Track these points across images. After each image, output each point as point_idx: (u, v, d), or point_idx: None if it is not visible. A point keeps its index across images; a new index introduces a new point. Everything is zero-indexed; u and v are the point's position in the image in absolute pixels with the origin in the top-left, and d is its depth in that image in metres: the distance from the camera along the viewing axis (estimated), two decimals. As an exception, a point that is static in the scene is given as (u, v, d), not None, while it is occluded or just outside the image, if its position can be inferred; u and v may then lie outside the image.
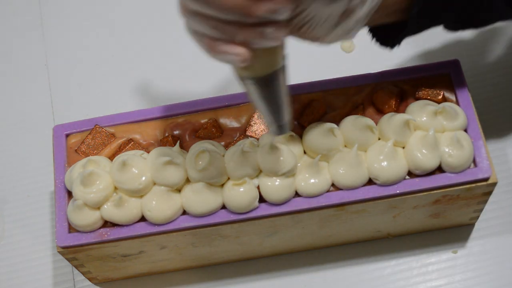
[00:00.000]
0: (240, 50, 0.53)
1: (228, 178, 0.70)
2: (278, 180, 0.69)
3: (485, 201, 0.74)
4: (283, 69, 0.57)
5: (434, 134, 0.68)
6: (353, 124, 0.70)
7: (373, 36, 0.67)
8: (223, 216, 0.70)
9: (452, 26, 0.67)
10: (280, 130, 0.63)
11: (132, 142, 0.73)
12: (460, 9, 0.63)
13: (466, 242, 0.81)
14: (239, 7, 0.49)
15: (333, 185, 0.70)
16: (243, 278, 0.81)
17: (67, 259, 0.73)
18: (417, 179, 0.70)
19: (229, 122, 0.74)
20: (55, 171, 0.73)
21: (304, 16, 0.53)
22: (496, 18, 0.66)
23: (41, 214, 0.86)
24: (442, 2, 0.62)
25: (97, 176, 0.69)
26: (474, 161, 0.70)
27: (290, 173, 0.69)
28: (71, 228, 0.71)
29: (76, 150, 0.74)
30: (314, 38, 0.56)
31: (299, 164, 0.70)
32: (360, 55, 0.91)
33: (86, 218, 0.69)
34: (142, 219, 0.71)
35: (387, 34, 0.66)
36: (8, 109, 0.94)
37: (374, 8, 0.57)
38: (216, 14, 0.51)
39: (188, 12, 0.52)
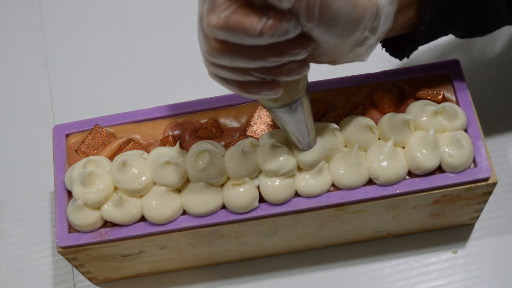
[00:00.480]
0: (271, 88, 0.56)
1: (228, 178, 0.70)
2: (278, 180, 0.69)
3: (485, 201, 0.74)
4: (306, 93, 0.61)
5: (434, 134, 0.68)
6: (353, 124, 0.70)
7: (383, 47, 0.69)
8: (223, 216, 0.70)
9: (459, 35, 0.68)
10: (306, 147, 0.68)
11: (132, 142, 0.73)
12: (467, 24, 0.64)
13: (466, 242, 0.81)
14: (266, 56, 0.53)
15: (333, 185, 0.70)
16: (243, 278, 0.81)
17: (67, 259, 0.73)
18: (417, 179, 0.70)
19: (229, 122, 0.74)
20: (55, 171, 0.73)
21: (320, 51, 0.56)
22: (502, 25, 0.67)
23: (41, 214, 0.86)
24: (449, 18, 0.63)
25: (97, 176, 0.69)
26: (474, 161, 0.70)
27: (290, 173, 0.69)
28: (71, 228, 0.71)
29: (76, 150, 0.74)
30: (327, 63, 0.60)
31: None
32: (360, 55, 0.91)
33: (86, 218, 0.69)
34: (142, 219, 0.71)
35: (397, 46, 0.67)
36: (8, 109, 0.94)
37: (385, 33, 0.58)
38: (246, 65, 0.53)
39: (216, 66, 0.55)
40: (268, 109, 0.62)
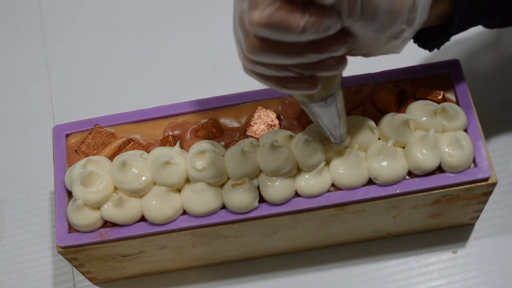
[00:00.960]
0: (309, 83, 0.56)
1: (228, 178, 0.70)
2: (278, 180, 0.69)
3: (485, 201, 0.74)
4: (341, 87, 0.62)
5: (434, 134, 0.68)
6: (353, 124, 0.70)
7: (413, 38, 0.68)
8: (223, 216, 0.70)
9: (489, 26, 0.68)
10: (338, 140, 0.67)
11: (132, 142, 0.73)
12: (500, 11, 0.64)
13: (466, 242, 0.81)
14: (306, 53, 0.52)
15: (333, 185, 0.70)
16: (243, 278, 0.81)
17: (67, 259, 0.73)
18: (417, 179, 0.70)
19: (229, 122, 0.74)
20: (55, 171, 0.73)
21: (357, 45, 0.56)
22: None
23: (41, 214, 0.86)
24: (481, 8, 0.63)
25: (97, 176, 0.69)
26: (474, 161, 0.70)
27: (290, 173, 0.69)
28: (71, 228, 0.71)
29: (76, 150, 0.74)
30: (362, 55, 0.59)
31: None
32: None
33: (86, 218, 0.69)
34: (142, 219, 0.71)
35: (427, 37, 0.67)
36: (8, 109, 0.94)
37: (421, 25, 0.58)
38: (285, 62, 0.53)
39: (254, 63, 0.55)
40: (303, 104, 0.62)
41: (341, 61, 0.55)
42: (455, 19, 0.63)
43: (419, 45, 0.68)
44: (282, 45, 0.52)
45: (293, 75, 0.55)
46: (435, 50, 0.67)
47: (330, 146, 0.69)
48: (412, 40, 0.68)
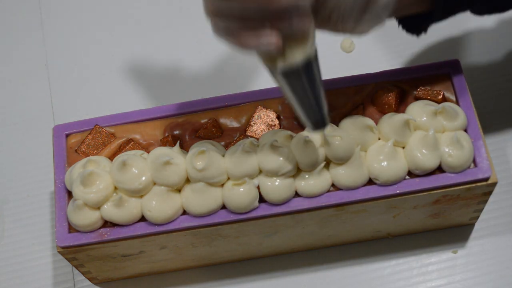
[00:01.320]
0: (271, 38, 0.53)
1: (228, 178, 0.70)
2: (278, 180, 0.69)
3: (485, 201, 0.74)
4: (314, 59, 0.57)
5: (434, 134, 0.68)
6: (353, 124, 0.70)
7: (399, 23, 0.67)
8: (223, 216, 0.70)
9: (477, 12, 0.66)
10: (317, 125, 0.62)
11: (132, 142, 0.73)
12: None
13: (466, 242, 0.81)
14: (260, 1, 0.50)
15: (333, 185, 0.70)
16: (243, 278, 0.81)
17: (67, 259, 0.73)
18: (417, 179, 0.70)
19: (229, 122, 0.74)
20: (55, 171, 0.73)
21: (328, 5, 0.53)
22: None
23: (41, 214, 0.86)
24: None
25: (97, 176, 0.69)
26: (474, 161, 0.70)
27: (290, 173, 0.69)
28: (71, 228, 0.71)
29: (76, 150, 0.74)
30: (346, 30, 0.56)
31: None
32: (360, 55, 0.91)
33: (86, 218, 0.69)
34: (142, 219, 0.71)
35: (414, 22, 0.66)
36: (8, 109, 0.94)
37: None
38: (241, 11, 0.51)
39: (213, 12, 0.53)
40: (272, 74, 0.58)
41: (305, 17, 0.52)
42: (439, 3, 0.61)
43: (407, 30, 0.67)
44: None
45: (254, 29, 0.52)
46: (422, 34, 0.66)
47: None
48: (400, 26, 0.67)
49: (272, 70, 0.57)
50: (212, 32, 0.56)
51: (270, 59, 0.57)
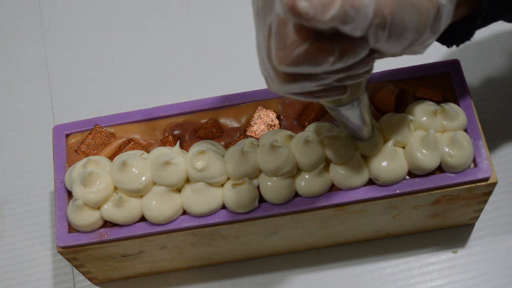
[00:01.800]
0: (339, 92, 0.55)
1: (228, 178, 0.70)
2: (278, 180, 0.69)
3: (485, 201, 0.74)
4: (366, 89, 0.62)
5: (434, 134, 0.68)
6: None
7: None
8: (223, 216, 0.70)
9: (510, 20, 0.67)
10: (364, 138, 0.68)
11: (132, 142, 0.73)
12: None
13: (466, 242, 0.81)
14: (336, 75, 0.52)
15: (333, 185, 0.70)
16: (243, 278, 0.81)
17: (67, 259, 0.73)
18: (417, 179, 0.70)
19: (229, 122, 0.74)
20: (55, 171, 0.73)
21: (384, 55, 0.55)
22: None
23: (41, 214, 0.86)
24: (505, 5, 0.61)
25: (97, 176, 0.69)
26: (474, 161, 0.70)
27: (290, 173, 0.69)
28: (71, 228, 0.71)
29: (76, 150, 0.74)
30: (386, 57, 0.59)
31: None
32: (360, 55, 0.91)
33: (86, 218, 0.69)
34: (142, 219, 0.71)
35: (449, 34, 0.66)
36: (8, 109, 0.94)
37: (443, 29, 0.57)
38: (315, 86, 0.53)
39: (288, 80, 0.53)
40: (330, 109, 0.63)
41: (369, 71, 0.55)
42: (479, 16, 0.61)
43: (439, 41, 0.67)
44: (312, 75, 0.51)
45: (323, 88, 0.55)
46: (449, 47, 0.66)
47: (360, 143, 0.69)
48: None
49: (331, 108, 0.63)
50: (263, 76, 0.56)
51: (330, 101, 0.62)
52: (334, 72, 0.52)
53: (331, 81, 0.53)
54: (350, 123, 0.65)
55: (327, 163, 0.70)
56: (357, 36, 0.49)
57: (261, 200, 0.70)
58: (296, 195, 0.70)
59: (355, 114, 0.63)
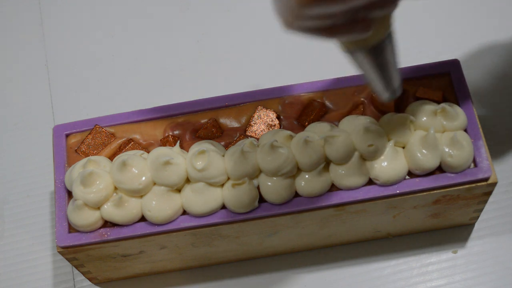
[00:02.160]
0: (362, 27, 0.52)
1: (228, 178, 0.70)
2: (278, 180, 0.69)
3: (485, 201, 0.74)
4: (391, 33, 0.57)
5: (434, 134, 0.68)
6: (353, 124, 0.70)
7: None
8: (223, 216, 0.70)
9: None
10: (392, 94, 0.63)
11: (132, 142, 0.73)
12: None
13: (466, 242, 0.81)
14: None
15: (333, 185, 0.70)
16: (243, 278, 0.81)
17: (67, 259, 0.73)
18: (417, 179, 0.70)
19: (229, 122, 0.74)
20: (55, 171, 0.73)
21: None
22: None
23: (41, 214, 0.86)
24: None
25: (97, 176, 0.69)
26: (474, 161, 0.70)
27: (290, 173, 0.69)
28: (71, 228, 0.71)
29: (76, 150, 0.74)
30: None
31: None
32: (360, 55, 0.91)
33: (86, 218, 0.69)
34: (142, 219, 0.71)
35: None
36: (8, 109, 0.94)
37: None
38: (339, 9, 0.50)
39: (303, 18, 0.51)
40: (352, 54, 0.58)
41: (395, 1, 0.52)
42: None
43: None
44: None
45: (344, 21, 0.52)
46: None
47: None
48: None
49: (352, 50, 0.57)
50: (283, 28, 0.53)
51: (352, 42, 0.57)
52: None
53: (355, 6, 0.50)
54: (376, 74, 0.60)
55: (327, 163, 0.70)
56: None
57: (261, 200, 0.70)
58: (296, 195, 0.70)
59: (381, 62, 0.58)
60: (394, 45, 0.58)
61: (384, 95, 0.63)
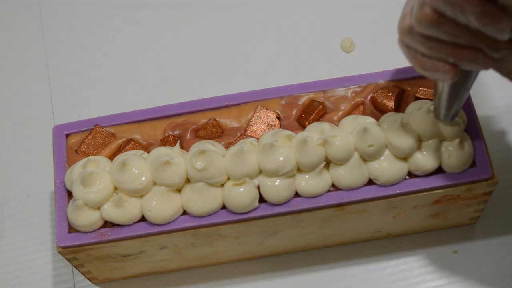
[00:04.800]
0: (447, 71, 0.56)
1: (228, 178, 0.70)
2: (278, 180, 0.69)
3: (486, 201, 0.74)
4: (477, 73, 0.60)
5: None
6: (352, 124, 0.70)
7: None
8: (223, 216, 0.70)
9: None
10: (452, 118, 0.66)
11: (132, 142, 0.73)
12: None
13: (466, 242, 0.81)
14: (467, 37, 0.52)
15: (333, 185, 0.70)
16: (243, 278, 0.81)
17: (67, 259, 0.73)
18: (417, 179, 0.70)
19: (229, 122, 0.74)
20: (55, 171, 0.73)
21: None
22: None
23: (41, 214, 0.86)
24: None
25: (97, 176, 0.69)
26: (474, 161, 0.70)
27: (290, 173, 0.69)
28: (71, 228, 0.71)
29: (76, 150, 0.74)
30: (507, 74, 0.59)
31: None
32: (360, 55, 0.91)
33: (86, 218, 0.69)
34: (142, 219, 0.71)
35: None
36: (8, 109, 0.94)
37: None
38: (446, 39, 0.53)
39: (413, 34, 0.55)
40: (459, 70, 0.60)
41: (490, 61, 0.55)
42: None
43: None
44: (451, 24, 0.51)
45: (438, 57, 0.55)
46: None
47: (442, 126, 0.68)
48: None
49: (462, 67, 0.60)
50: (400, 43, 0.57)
51: None
52: (468, 33, 0.52)
53: (458, 44, 0.53)
54: (446, 95, 0.63)
55: (327, 163, 0.70)
56: (507, 5, 0.49)
57: (261, 200, 0.70)
58: (296, 195, 0.70)
59: (464, 86, 0.61)
60: (473, 79, 0.61)
61: (444, 115, 0.65)
